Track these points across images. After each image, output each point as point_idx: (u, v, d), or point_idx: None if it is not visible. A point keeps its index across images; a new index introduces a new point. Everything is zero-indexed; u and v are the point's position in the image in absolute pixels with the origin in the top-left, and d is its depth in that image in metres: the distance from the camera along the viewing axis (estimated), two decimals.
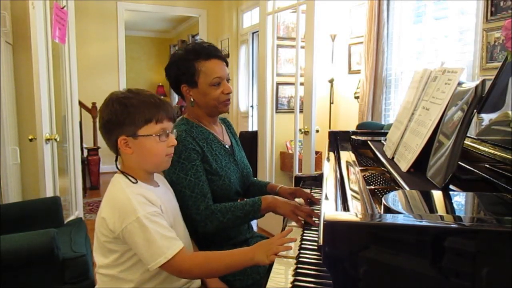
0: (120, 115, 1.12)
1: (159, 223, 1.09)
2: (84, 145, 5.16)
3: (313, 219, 1.38)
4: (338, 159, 1.48)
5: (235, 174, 1.55)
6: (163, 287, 1.18)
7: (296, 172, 3.21)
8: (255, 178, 1.77)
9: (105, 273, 1.16)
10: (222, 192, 1.47)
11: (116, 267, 1.14)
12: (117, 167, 1.20)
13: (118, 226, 1.08)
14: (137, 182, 1.15)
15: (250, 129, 5.16)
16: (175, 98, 8.91)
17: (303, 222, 1.39)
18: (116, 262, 1.14)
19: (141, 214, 1.07)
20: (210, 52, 1.47)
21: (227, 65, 1.52)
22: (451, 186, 0.91)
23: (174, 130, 1.22)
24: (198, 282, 1.30)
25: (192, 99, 1.49)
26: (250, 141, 3.93)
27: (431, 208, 0.84)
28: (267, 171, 3.39)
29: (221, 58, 1.50)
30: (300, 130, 2.99)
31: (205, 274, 1.20)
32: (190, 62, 1.46)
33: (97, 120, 1.22)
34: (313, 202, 1.60)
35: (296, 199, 1.62)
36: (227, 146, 1.58)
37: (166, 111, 1.17)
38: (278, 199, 1.45)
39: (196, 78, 1.45)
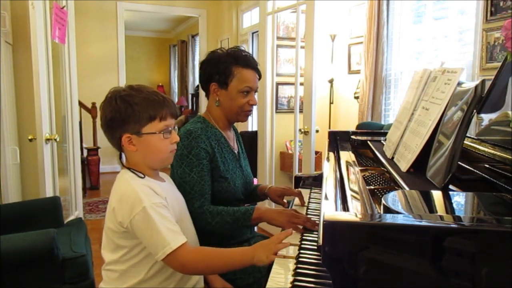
0: (124, 113, 1.12)
1: (164, 215, 1.10)
2: (84, 145, 5.16)
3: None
4: (338, 159, 1.48)
5: (240, 179, 1.56)
6: (167, 286, 1.18)
7: (296, 172, 3.21)
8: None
9: (114, 269, 1.17)
10: (226, 195, 1.48)
11: (125, 262, 1.15)
12: (122, 164, 1.20)
13: (127, 218, 1.09)
14: (144, 176, 1.16)
15: (250, 129, 5.16)
16: (175, 98, 8.92)
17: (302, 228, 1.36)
18: (125, 258, 1.15)
19: (146, 204, 1.08)
20: (250, 62, 1.52)
21: (259, 79, 1.57)
22: (451, 186, 0.91)
23: (176, 126, 1.23)
24: (201, 282, 1.30)
25: (217, 99, 1.52)
26: (250, 141, 3.92)
27: (431, 208, 0.84)
28: (267, 171, 3.39)
29: (257, 72, 1.55)
30: (300, 130, 2.99)
31: (205, 271, 1.20)
32: (228, 64, 1.49)
33: (99, 117, 1.21)
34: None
35: (288, 198, 1.62)
36: (235, 152, 1.60)
37: (169, 108, 1.17)
38: (272, 210, 1.43)
39: (229, 81, 1.49)
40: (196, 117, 1.56)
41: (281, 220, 1.37)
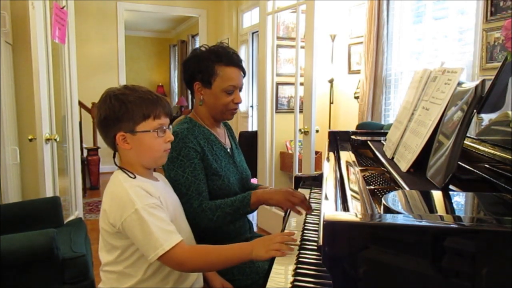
0: (118, 111, 1.13)
1: (157, 216, 1.09)
2: (84, 145, 5.16)
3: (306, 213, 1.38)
4: (338, 159, 1.48)
5: (234, 175, 1.55)
6: (165, 285, 1.18)
7: (296, 172, 3.21)
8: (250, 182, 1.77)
9: (111, 270, 1.17)
10: (221, 192, 1.48)
11: (121, 263, 1.15)
12: (115, 163, 1.20)
13: (118, 219, 1.09)
14: (135, 177, 1.16)
15: (250, 129, 5.16)
16: (175, 98, 8.92)
17: (300, 210, 1.40)
18: (120, 258, 1.15)
19: (139, 206, 1.08)
20: (232, 59, 1.49)
21: (244, 76, 1.54)
22: (451, 186, 0.91)
23: (170, 126, 1.23)
24: (200, 281, 1.30)
25: (202, 98, 1.50)
26: (250, 141, 3.93)
27: (431, 208, 0.84)
28: (267, 171, 3.39)
29: (241, 68, 1.52)
30: (300, 130, 2.99)
31: (204, 267, 1.20)
32: (211, 62, 1.46)
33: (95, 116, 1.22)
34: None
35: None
36: (227, 148, 1.58)
37: (163, 107, 1.18)
38: (268, 191, 1.44)
39: (212, 80, 1.47)
40: (183, 118, 1.55)
41: (277, 198, 1.39)
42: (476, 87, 0.89)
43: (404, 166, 1.11)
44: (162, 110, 1.17)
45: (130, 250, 1.14)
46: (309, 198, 1.68)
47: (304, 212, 1.42)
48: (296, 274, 1.02)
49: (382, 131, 2.04)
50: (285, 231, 1.32)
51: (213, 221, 1.38)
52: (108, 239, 1.15)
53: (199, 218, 1.37)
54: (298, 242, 1.21)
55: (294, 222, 1.46)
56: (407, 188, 0.92)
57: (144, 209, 1.08)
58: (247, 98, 5.37)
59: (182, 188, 1.38)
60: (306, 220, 1.40)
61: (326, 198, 1.04)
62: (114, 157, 1.21)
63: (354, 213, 0.86)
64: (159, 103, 1.17)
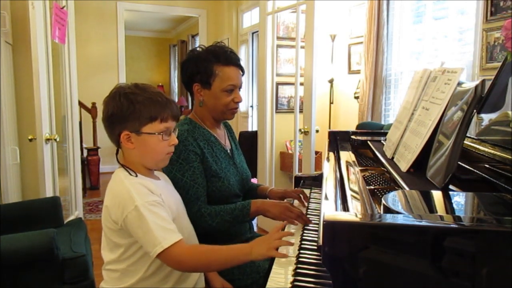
0: (126, 110, 1.12)
1: (157, 213, 1.09)
2: (84, 145, 5.16)
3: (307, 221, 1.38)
4: (338, 159, 1.48)
5: (234, 176, 1.55)
6: (166, 284, 1.18)
7: (296, 172, 3.21)
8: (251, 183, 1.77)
9: (114, 269, 1.17)
10: (221, 194, 1.48)
11: (124, 261, 1.15)
12: (117, 160, 1.20)
13: (120, 216, 1.09)
14: (136, 176, 1.16)
15: (250, 129, 5.16)
16: (175, 98, 8.93)
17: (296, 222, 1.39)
18: (123, 257, 1.15)
19: (139, 203, 1.08)
20: (231, 58, 1.48)
21: (243, 75, 1.54)
22: (451, 186, 0.91)
23: (177, 129, 1.23)
24: (202, 282, 1.30)
25: (201, 99, 1.50)
26: (250, 141, 3.92)
27: (431, 208, 0.84)
28: (267, 171, 3.39)
29: (240, 67, 1.52)
30: (300, 130, 2.99)
31: (203, 267, 1.19)
32: (209, 63, 1.46)
33: (101, 111, 1.21)
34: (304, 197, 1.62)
35: (289, 199, 1.63)
36: (227, 149, 1.58)
37: (171, 110, 1.17)
38: (267, 202, 1.45)
39: (211, 81, 1.46)
40: (182, 118, 1.54)
41: (274, 211, 1.40)
42: (476, 87, 0.89)
43: (404, 166, 1.11)
44: (170, 113, 1.17)
45: (133, 248, 1.14)
46: (309, 198, 1.69)
47: (300, 224, 1.40)
48: (296, 274, 1.02)
49: (382, 131, 2.04)
50: (285, 230, 1.32)
51: (212, 226, 1.39)
52: (111, 237, 1.15)
53: (198, 222, 1.37)
54: (298, 242, 1.21)
55: None
56: (407, 188, 0.92)
57: (144, 206, 1.08)
58: (247, 98, 5.37)
59: (181, 191, 1.37)
60: None
61: (326, 198, 1.04)
62: (117, 153, 1.21)
63: (354, 213, 0.86)
64: (167, 106, 1.16)
